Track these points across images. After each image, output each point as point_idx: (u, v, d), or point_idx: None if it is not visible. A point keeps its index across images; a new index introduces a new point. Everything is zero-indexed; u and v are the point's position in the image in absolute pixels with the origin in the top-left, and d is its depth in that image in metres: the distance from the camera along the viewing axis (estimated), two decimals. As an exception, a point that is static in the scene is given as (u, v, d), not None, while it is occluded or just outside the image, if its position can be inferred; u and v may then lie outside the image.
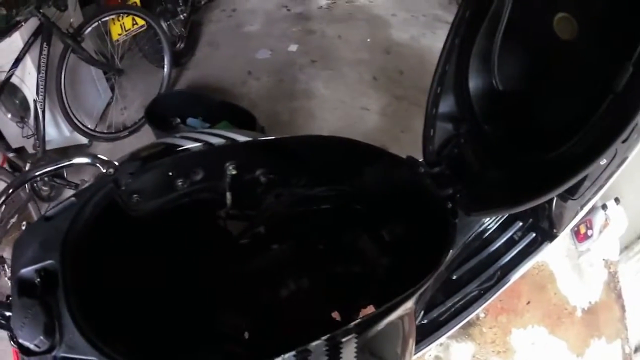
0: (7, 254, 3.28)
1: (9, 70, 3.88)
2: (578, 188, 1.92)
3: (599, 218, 3.30)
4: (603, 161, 1.71)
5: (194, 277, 2.08)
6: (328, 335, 1.41)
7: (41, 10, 3.88)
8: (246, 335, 2.12)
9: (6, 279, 3.20)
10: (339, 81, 5.07)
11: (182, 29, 5.45)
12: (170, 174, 1.93)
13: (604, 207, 3.31)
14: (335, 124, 4.55)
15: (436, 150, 2.11)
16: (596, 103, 1.55)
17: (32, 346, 1.36)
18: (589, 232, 3.34)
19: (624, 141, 1.57)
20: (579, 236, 3.40)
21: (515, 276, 2.37)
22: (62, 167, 1.94)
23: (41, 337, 1.35)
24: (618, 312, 3.41)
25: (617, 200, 3.34)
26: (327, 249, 2.31)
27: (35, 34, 3.98)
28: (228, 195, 2.04)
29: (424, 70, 4.62)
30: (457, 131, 2.10)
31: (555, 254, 3.40)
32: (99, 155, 1.82)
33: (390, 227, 2.16)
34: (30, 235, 1.58)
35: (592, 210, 3.26)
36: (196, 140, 1.97)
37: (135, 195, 1.87)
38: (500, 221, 2.39)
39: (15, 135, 4.26)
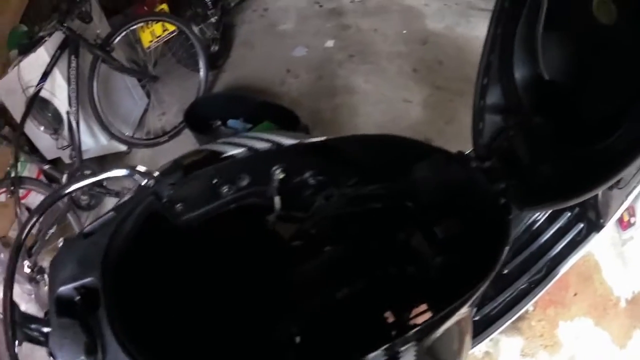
0: (46, 264, 3.27)
1: (37, 84, 3.96)
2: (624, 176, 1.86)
3: (640, 205, 3.23)
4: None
5: (245, 284, 2.05)
6: (386, 345, 1.38)
7: (65, 24, 3.98)
8: (297, 340, 2.09)
9: (46, 288, 3.24)
10: (378, 75, 5.01)
11: (215, 32, 5.46)
12: (215, 181, 1.90)
13: (645, 192, 3.21)
14: (378, 118, 4.51)
15: (486, 144, 2.06)
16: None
17: (73, 365, 1.33)
18: (632, 220, 3.18)
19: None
20: (623, 224, 3.24)
21: (564, 268, 2.33)
22: (96, 181, 1.91)
23: (82, 358, 1.32)
24: (660, 301, 3.33)
25: (657, 185, 3.23)
26: (380, 248, 2.26)
27: (61, 48, 4.08)
28: (276, 199, 2.01)
29: (463, 59, 4.73)
30: (506, 123, 2.05)
31: (600, 244, 3.20)
32: (137, 167, 1.79)
33: (443, 224, 2.09)
34: (68, 253, 1.56)
35: (635, 197, 3.19)
36: (239, 145, 1.95)
37: (179, 205, 1.85)
38: (549, 212, 2.35)
39: (49, 147, 4.40)
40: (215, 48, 5.47)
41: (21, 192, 3.67)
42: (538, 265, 2.28)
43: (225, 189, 1.93)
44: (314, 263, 2.25)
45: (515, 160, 1.98)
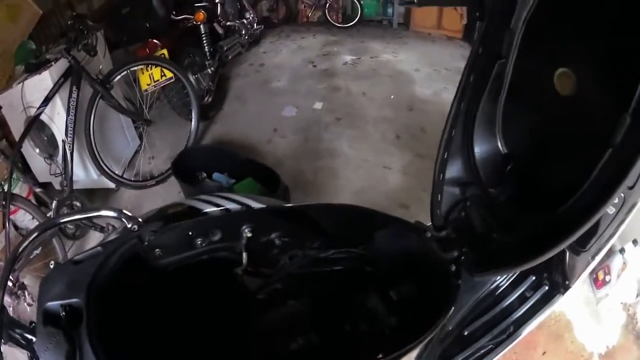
0: (27, 282, 3.51)
1: (39, 107, 4.05)
2: (589, 240, 1.81)
3: (616, 262, 3.23)
4: (612, 210, 1.68)
5: (212, 327, 2.20)
6: None
7: (71, 53, 4.07)
8: None
9: (25, 304, 3.43)
10: (362, 140, 5.14)
11: (210, 83, 5.60)
12: (191, 233, 2.09)
13: (622, 250, 3.23)
14: (357, 183, 4.62)
15: (443, 215, 2.20)
16: (597, 157, 1.52)
17: (53, 371, 1.51)
18: (607, 278, 3.26)
19: (630, 187, 1.53)
20: (597, 283, 3.33)
21: (528, 329, 2.29)
22: (88, 217, 2.09)
23: (63, 362, 1.51)
24: (636, 353, 3.28)
25: (635, 242, 3.22)
26: (339, 307, 2.39)
27: (65, 76, 4.15)
28: (244, 255, 2.18)
29: (446, 128, 4.77)
30: (463, 195, 2.17)
31: (572, 303, 3.31)
32: (124, 211, 1.98)
33: (398, 287, 2.24)
34: (58, 274, 1.75)
35: (610, 255, 3.21)
36: (214, 204, 2.16)
37: (157, 250, 2.04)
38: (513, 278, 2.35)
39: (42, 170, 4.45)
40: (209, 99, 5.60)
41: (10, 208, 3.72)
42: (501, 327, 2.29)
43: (199, 241, 2.11)
44: (275, 315, 2.39)
45: (470, 230, 2.11)
